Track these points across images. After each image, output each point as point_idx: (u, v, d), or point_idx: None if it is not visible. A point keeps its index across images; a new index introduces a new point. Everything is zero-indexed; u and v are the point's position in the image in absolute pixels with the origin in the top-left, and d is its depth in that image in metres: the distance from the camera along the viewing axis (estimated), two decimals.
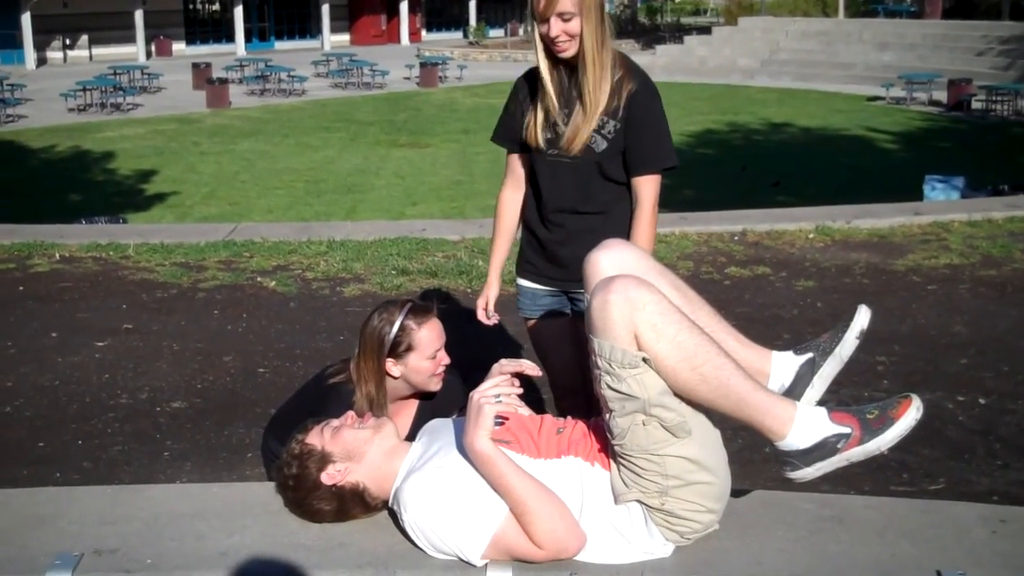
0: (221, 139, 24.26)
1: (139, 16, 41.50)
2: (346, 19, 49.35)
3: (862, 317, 2.82)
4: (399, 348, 3.36)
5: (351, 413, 2.94)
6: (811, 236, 7.30)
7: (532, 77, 3.41)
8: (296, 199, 17.85)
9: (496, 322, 3.75)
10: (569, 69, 3.30)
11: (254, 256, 6.89)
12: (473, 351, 5.06)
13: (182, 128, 25.96)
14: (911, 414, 2.53)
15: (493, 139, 3.65)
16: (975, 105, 26.58)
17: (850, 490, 3.57)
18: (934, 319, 5.64)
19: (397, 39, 49.61)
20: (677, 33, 45.58)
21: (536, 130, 3.35)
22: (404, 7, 49.40)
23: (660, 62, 35.73)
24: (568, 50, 3.21)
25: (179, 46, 44.23)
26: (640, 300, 2.47)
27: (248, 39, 45.87)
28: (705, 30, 40.78)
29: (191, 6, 45.64)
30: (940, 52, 33.15)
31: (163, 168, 20.43)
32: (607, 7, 3.36)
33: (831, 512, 2.93)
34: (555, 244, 3.47)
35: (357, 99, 31.41)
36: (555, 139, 3.34)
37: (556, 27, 3.16)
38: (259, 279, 6.38)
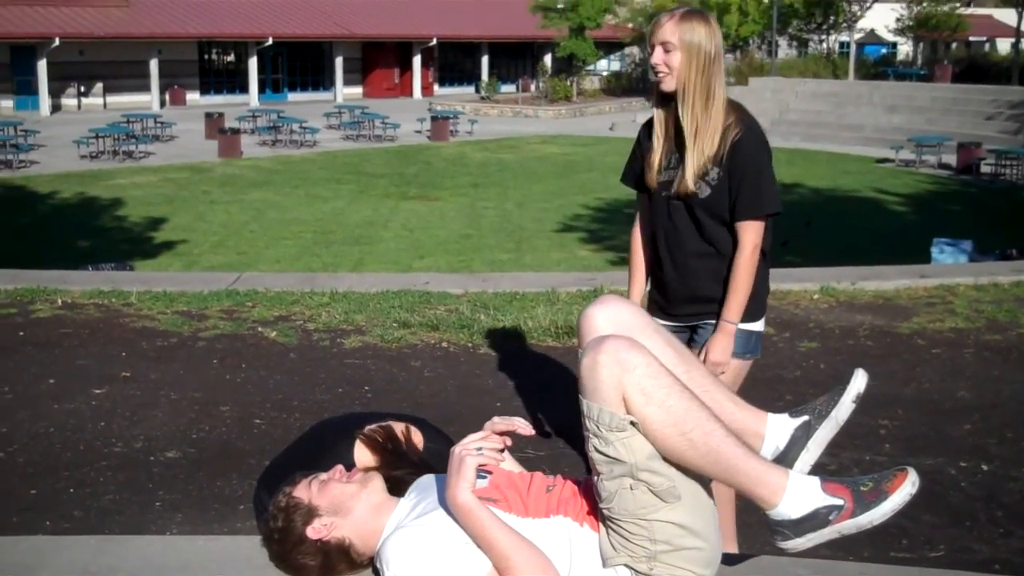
0: (232, 188, 24.41)
1: (154, 65, 41.97)
2: (359, 72, 49.81)
3: (859, 381, 2.78)
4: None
5: (339, 467, 2.90)
6: (816, 297, 7.27)
7: (650, 123, 3.65)
8: (304, 249, 17.92)
9: None
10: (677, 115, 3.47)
11: (256, 306, 6.88)
12: (481, 404, 5.04)
13: (193, 177, 26.13)
14: (905, 488, 2.47)
15: (622, 181, 3.86)
16: (984, 169, 26.67)
17: (848, 556, 3.51)
18: (938, 383, 5.59)
19: (410, 93, 50.03)
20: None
21: (651, 173, 3.57)
22: (417, 61, 49.87)
23: None
24: (664, 82, 3.42)
25: (193, 96, 44.64)
26: (630, 362, 2.44)
27: (262, 90, 46.30)
28: None
29: (206, 56, 46.11)
30: (949, 116, 33.28)
31: (173, 216, 20.54)
32: (719, 57, 3.46)
33: None
34: (675, 282, 3.63)
35: (368, 151, 31.61)
36: (668, 182, 3.53)
37: (657, 55, 3.40)
38: (260, 329, 6.36)
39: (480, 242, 18.67)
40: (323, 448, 3.27)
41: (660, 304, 3.72)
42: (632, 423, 2.45)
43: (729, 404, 2.74)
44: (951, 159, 27.96)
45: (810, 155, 29.64)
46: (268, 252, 17.67)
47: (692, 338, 3.68)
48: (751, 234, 3.46)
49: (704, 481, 2.59)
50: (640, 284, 3.82)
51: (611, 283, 7.40)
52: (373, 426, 3.23)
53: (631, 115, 40.95)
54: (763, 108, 35.10)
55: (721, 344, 3.54)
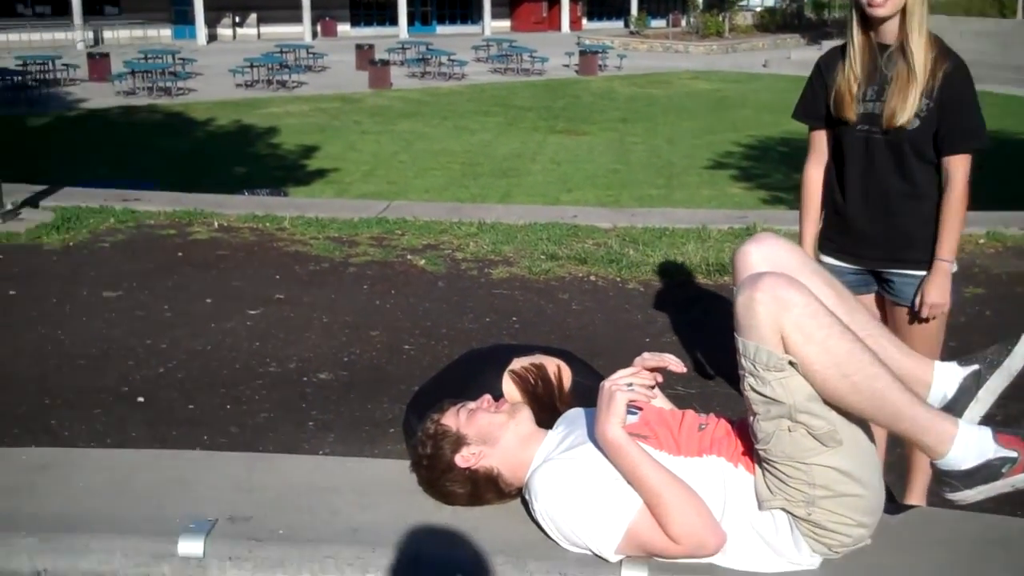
0: (381, 119, 24.66)
1: None
2: (507, 5, 49.62)
3: None
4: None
5: (487, 396, 2.87)
6: (981, 242, 6.95)
7: (834, 56, 3.48)
8: (452, 180, 18.01)
9: None
10: (879, 45, 3.32)
11: (405, 234, 6.91)
12: (630, 338, 4.97)
13: (344, 107, 26.48)
14: None
15: (795, 116, 3.67)
16: None
17: (1019, 512, 3.34)
18: None
19: (558, 27, 49.63)
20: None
21: (848, 104, 3.37)
22: None
23: None
24: (883, 7, 3.22)
25: (344, 27, 45.16)
26: (789, 300, 2.32)
27: (411, 22, 46.53)
28: None
29: None
30: None
31: (324, 145, 20.86)
32: None
33: (996, 535, 2.74)
34: (866, 222, 3.46)
35: (516, 85, 31.54)
36: (869, 114, 3.35)
37: None
38: (409, 257, 6.39)
39: (629, 177, 18.47)
40: (472, 377, 3.25)
41: (842, 245, 3.52)
42: (791, 363, 2.35)
43: (894, 350, 2.61)
44: None
45: None
46: (417, 182, 17.81)
47: (881, 288, 3.51)
48: (963, 168, 3.30)
49: (866, 426, 2.47)
50: (814, 226, 3.63)
51: (764, 221, 7.21)
52: (524, 362, 3.19)
53: (785, 52, 39.90)
54: None
55: (941, 284, 3.36)
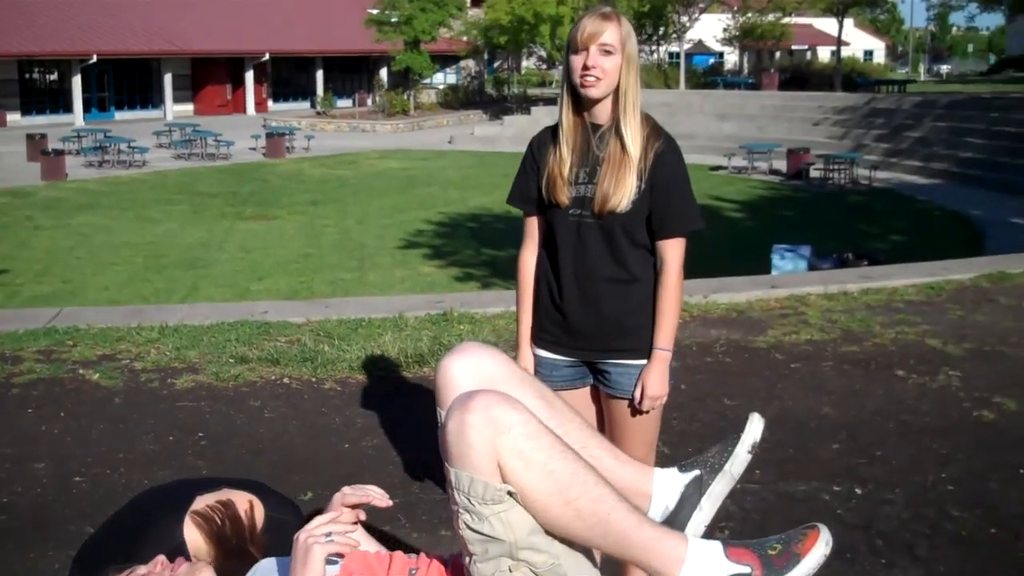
0: (56, 213, 23.25)
1: None
2: (190, 89, 48.36)
3: (754, 428, 2.53)
4: None
5: (161, 559, 2.49)
6: None
7: (546, 136, 3.28)
8: (135, 275, 17.08)
9: None
10: (592, 125, 3.16)
11: (77, 345, 6.32)
12: (328, 446, 4.63)
13: (14, 202, 24.81)
14: (819, 549, 2.18)
15: (509, 201, 3.40)
16: (814, 173, 27.37)
17: None
18: (801, 400, 5.44)
19: (243, 109, 48.85)
20: (524, 104, 46.04)
21: (561, 188, 3.16)
22: (250, 77, 48.73)
23: (508, 132, 35.90)
24: (595, 88, 3.07)
25: (14, 116, 42.59)
26: (504, 421, 2.11)
27: (87, 109, 44.50)
28: (551, 101, 41.27)
29: (27, 75, 44.02)
30: (778, 122, 34.18)
31: None
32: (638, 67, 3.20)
33: None
34: (578, 310, 3.24)
35: (201, 170, 30.62)
36: (581, 198, 3.16)
37: (595, 58, 3.04)
38: (81, 371, 5.82)
39: (321, 261, 18.14)
40: (148, 524, 2.84)
41: (555, 336, 3.30)
42: (510, 493, 2.12)
43: (610, 459, 2.45)
44: (782, 165, 28.64)
45: None
46: (96, 279, 16.78)
47: (596, 380, 3.33)
48: (678, 251, 3.19)
49: (588, 551, 2.28)
50: (530, 316, 3.40)
51: (460, 305, 7.09)
52: (209, 500, 2.82)
53: (469, 128, 40.86)
54: None
55: (660, 374, 3.20)
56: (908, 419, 5.17)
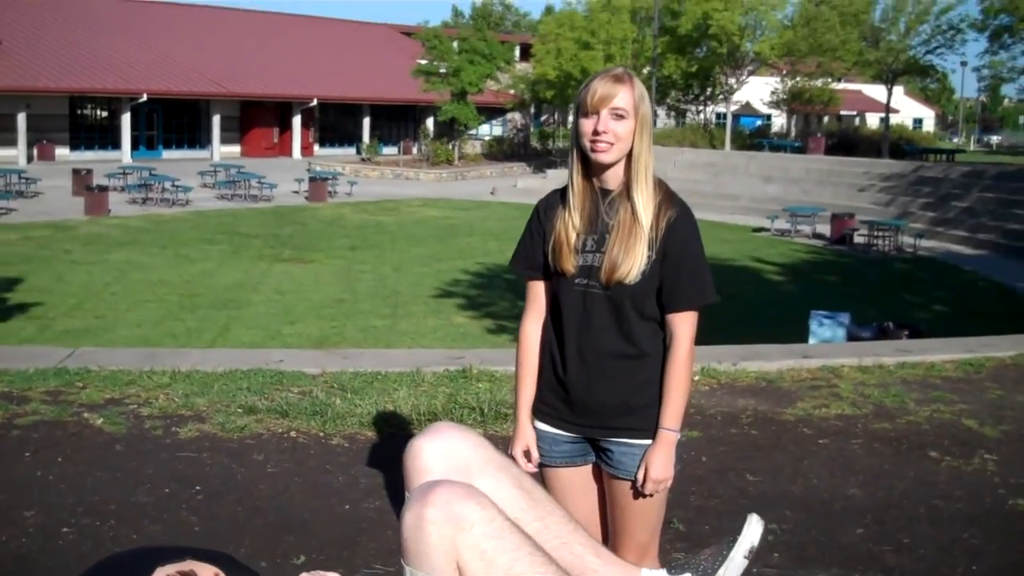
0: (96, 248, 23.38)
1: (22, 119, 40.39)
2: (237, 131, 48.81)
3: (752, 531, 2.32)
4: None
5: None
6: (697, 378, 6.87)
7: (554, 199, 3.08)
8: (168, 313, 17.06)
9: (537, 469, 3.15)
10: (602, 191, 2.99)
11: (87, 387, 6.19)
12: (327, 507, 4.42)
13: (55, 235, 25.01)
14: None
15: (512, 266, 3.21)
16: (857, 239, 27.08)
17: None
18: (827, 479, 5.19)
19: (289, 152, 49.20)
20: (567, 158, 45.96)
21: (567, 256, 2.98)
22: (297, 121, 49.12)
23: (551, 185, 35.44)
24: (607, 153, 2.90)
25: (63, 151, 43.13)
26: (466, 517, 1.91)
27: (135, 147, 44.97)
28: None
29: (79, 111, 44.61)
30: (823, 187, 33.91)
31: (29, 276, 19.46)
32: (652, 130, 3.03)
33: None
34: (583, 386, 3.04)
35: (242, 211, 30.79)
36: (588, 267, 2.98)
37: (606, 122, 2.87)
38: (86, 415, 5.67)
39: (354, 307, 18.05)
40: None
41: (556, 411, 3.10)
42: None
43: (592, 557, 2.25)
44: (825, 229, 28.35)
45: None
46: (128, 316, 16.77)
47: (599, 458, 3.11)
48: (689, 325, 2.99)
49: None
50: (530, 390, 3.17)
51: (480, 362, 6.91)
52: (171, 571, 2.63)
53: (512, 180, 40.91)
54: None
55: (665, 456, 2.98)
56: (939, 504, 4.90)
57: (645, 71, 45.46)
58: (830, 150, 44.93)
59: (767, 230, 28.95)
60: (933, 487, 5.13)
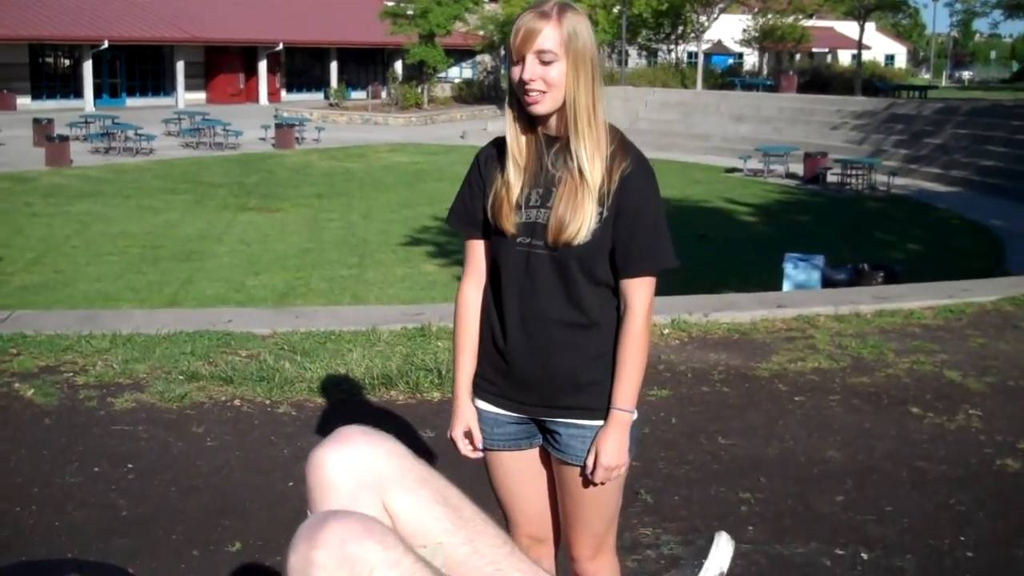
0: (56, 200, 22.82)
1: None
2: (203, 77, 47.94)
3: (722, 552, 2.04)
4: None
5: None
6: (666, 332, 6.57)
7: (501, 146, 2.66)
8: (129, 266, 16.62)
9: (482, 452, 2.80)
10: (546, 138, 2.59)
11: (21, 354, 5.82)
12: (269, 484, 4.09)
13: (15, 188, 24.40)
14: None
15: (448, 221, 2.83)
16: (831, 178, 26.79)
17: None
18: (804, 441, 4.90)
19: (256, 99, 48.38)
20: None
21: (507, 213, 2.59)
22: (263, 67, 48.27)
23: None
24: (540, 103, 2.51)
25: (24, 100, 42.22)
26: (365, 559, 1.59)
27: (98, 95, 44.11)
28: None
29: (39, 59, 43.63)
30: (796, 126, 33.56)
31: None
32: (598, 66, 2.60)
33: None
34: (525, 359, 2.66)
35: (208, 160, 30.18)
36: (532, 224, 2.58)
37: (532, 69, 2.47)
38: (16, 385, 5.32)
39: (321, 257, 17.65)
40: None
41: (499, 387, 2.73)
42: None
43: None
44: (798, 168, 28.02)
45: (660, 164, 29.00)
46: (89, 270, 16.33)
47: (546, 441, 2.75)
48: (645, 292, 2.61)
49: None
50: (470, 364, 2.79)
51: (440, 319, 6.56)
52: None
53: (482, 123, 40.31)
54: (613, 117, 33.96)
55: (618, 440, 2.62)
56: (923, 466, 4.62)
57: (616, 10, 44.85)
58: (802, 88, 44.54)
59: (739, 170, 28.58)
60: (916, 447, 4.85)
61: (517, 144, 2.62)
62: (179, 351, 5.88)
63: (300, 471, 4.33)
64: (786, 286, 12.64)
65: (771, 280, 12.81)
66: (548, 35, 2.47)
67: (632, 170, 2.57)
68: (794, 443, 4.87)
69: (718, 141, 33.03)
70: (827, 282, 12.33)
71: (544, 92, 2.50)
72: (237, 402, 5.21)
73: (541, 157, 2.61)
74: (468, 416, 2.78)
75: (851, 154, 28.77)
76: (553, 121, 2.58)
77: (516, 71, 2.52)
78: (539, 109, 2.53)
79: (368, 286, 15.29)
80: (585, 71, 2.51)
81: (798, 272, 13.31)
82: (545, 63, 2.48)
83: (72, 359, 5.76)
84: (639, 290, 2.61)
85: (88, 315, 7.08)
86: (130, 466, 4.41)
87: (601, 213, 2.55)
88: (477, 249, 2.78)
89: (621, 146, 2.60)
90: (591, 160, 2.53)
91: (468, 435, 2.77)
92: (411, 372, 5.52)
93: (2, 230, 19.24)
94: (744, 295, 8.04)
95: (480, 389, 2.78)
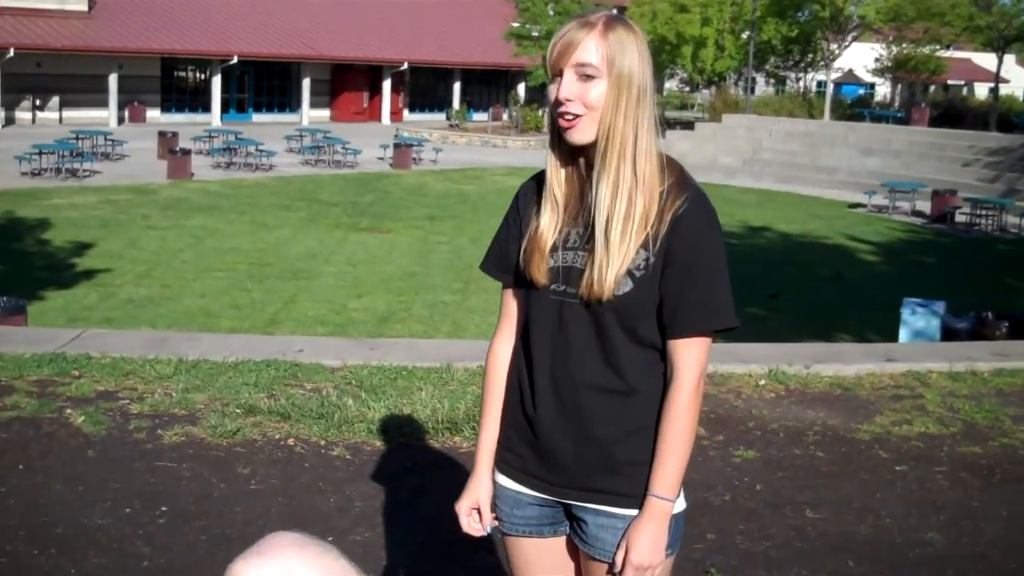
0: (173, 213, 23.14)
1: (113, 80, 40.64)
2: (328, 94, 48.63)
3: None
4: None
5: None
6: (762, 383, 6.10)
7: (542, 180, 2.33)
8: (235, 283, 16.65)
9: (488, 531, 2.43)
10: (589, 170, 2.22)
11: (82, 376, 5.65)
12: None
13: (136, 199, 24.84)
14: None
15: (483, 267, 2.49)
16: (959, 218, 25.73)
17: None
18: (902, 518, 4.40)
19: (379, 117, 48.90)
20: (660, 127, 44.86)
21: (538, 256, 2.23)
22: (387, 86, 48.76)
23: None
24: (576, 129, 2.15)
25: (154, 113, 43.37)
26: None
27: (225, 110, 45.04)
28: (688, 125, 40.07)
29: (171, 74, 44.76)
30: (926, 160, 32.40)
31: (102, 241, 19.23)
32: (650, 91, 2.21)
33: None
34: (554, 429, 2.27)
35: (325, 178, 30.38)
36: (568, 268, 2.21)
37: (569, 87, 2.12)
38: (68, 412, 5.12)
39: (426, 281, 17.47)
40: None
41: (524, 462, 2.34)
42: None
43: None
44: (925, 206, 27.01)
45: (781, 197, 28.64)
46: (195, 285, 16.40)
47: (572, 530, 2.36)
48: (695, 356, 2.20)
49: None
50: (494, 430, 2.42)
51: None
52: None
53: None
54: (736, 146, 34.17)
55: (652, 534, 2.20)
56: None
57: (744, 35, 44.13)
58: (934, 121, 43.07)
59: (864, 206, 27.64)
60: None
61: (556, 177, 2.27)
62: (242, 381, 5.63)
63: (343, 524, 4.02)
64: (903, 333, 11.98)
65: (889, 324, 12.18)
66: (589, 46, 2.13)
67: (686, 208, 2.17)
68: (891, 521, 4.37)
69: (843, 175, 32.08)
70: (947, 330, 11.63)
71: (581, 116, 2.14)
72: (291, 441, 4.91)
73: (582, 191, 2.24)
74: (481, 492, 2.40)
75: (982, 193, 27.62)
76: (593, 150, 2.20)
77: (552, 89, 2.17)
78: (576, 136, 2.17)
79: (469, 313, 15.03)
80: (629, 94, 2.14)
81: (916, 319, 12.61)
82: (585, 78, 2.13)
83: (132, 384, 5.56)
84: (688, 353, 2.20)
85: (158, 337, 6.90)
86: (164, 508, 4.14)
87: (647, 259, 2.16)
88: (512, 300, 2.42)
89: (678, 183, 2.20)
90: (614, 198, 2.14)
91: (478, 513, 2.41)
92: (479, 416, 5.17)
93: (117, 242, 19.51)
94: (852, 345, 7.53)
95: (503, 462, 2.40)
